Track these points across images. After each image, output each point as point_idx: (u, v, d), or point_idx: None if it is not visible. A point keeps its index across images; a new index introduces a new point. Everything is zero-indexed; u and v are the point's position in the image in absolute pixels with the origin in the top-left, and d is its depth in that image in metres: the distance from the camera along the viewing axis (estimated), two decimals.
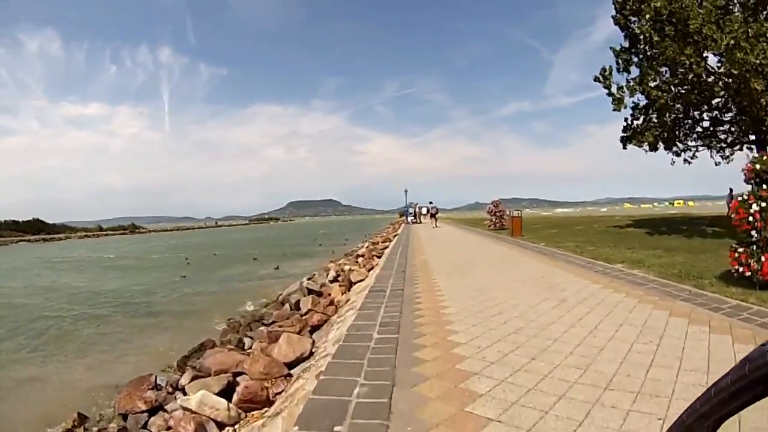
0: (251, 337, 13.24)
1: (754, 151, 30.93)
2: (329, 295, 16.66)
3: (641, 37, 29.71)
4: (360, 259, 25.91)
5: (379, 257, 25.08)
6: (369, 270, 19.97)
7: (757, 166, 10.56)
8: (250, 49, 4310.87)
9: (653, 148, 32.68)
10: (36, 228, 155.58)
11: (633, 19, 30.36)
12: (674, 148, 34.37)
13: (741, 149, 33.68)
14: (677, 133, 33.17)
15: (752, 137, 31.62)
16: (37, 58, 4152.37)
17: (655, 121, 31.55)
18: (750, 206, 10.43)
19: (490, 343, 6.98)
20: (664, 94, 28.78)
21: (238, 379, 8.56)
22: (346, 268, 22.03)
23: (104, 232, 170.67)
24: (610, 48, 33.13)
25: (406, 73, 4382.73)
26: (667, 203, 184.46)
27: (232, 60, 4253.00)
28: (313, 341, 9.62)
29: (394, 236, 42.60)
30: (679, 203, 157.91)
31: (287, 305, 16.52)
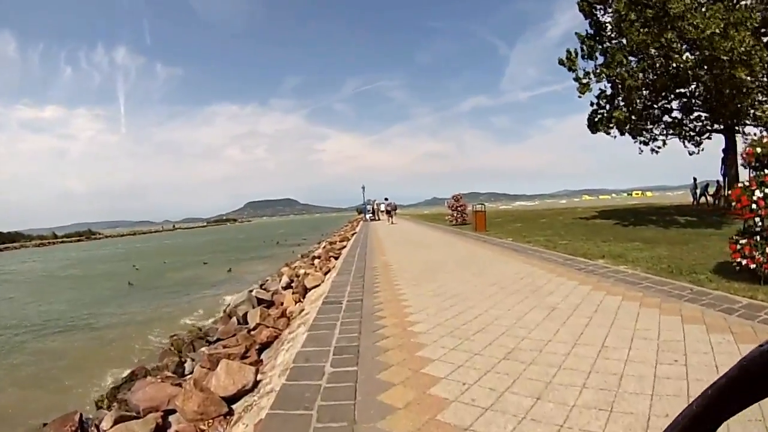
0: (193, 359, 11.63)
1: (722, 139, 31.83)
2: (281, 304, 15.28)
3: (607, 24, 29.63)
4: (316, 261, 24.45)
5: (336, 258, 23.72)
6: (325, 273, 18.47)
7: (758, 150, 9.39)
8: (207, 47, 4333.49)
9: (621, 131, 32.23)
10: None
11: (599, 6, 30.22)
12: (641, 137, 33.91)
13: (709, 138, 33.59)
14: (645, 121, 32.67)
15: (721, 126, 31.44)
16: None
17: (623, 106, 30.76)
18: (753, 193, 9.18)
19: (478, 376, 5.40)
20: (632, 79, 27.85)
21: (171, 418, 7.30)
22: (301, 272, 20.49)
23: (60, 239, 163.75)
24: (575, 33, 32.57)
25: (367, 71, 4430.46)
26: (625, 194, 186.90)
27: (190, 59, 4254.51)
28: (257, 369, 7.99)
29: (353, 235, 41.20)
30: (638, 194, 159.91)
31: (234, 318, 14.81)
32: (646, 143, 34.21)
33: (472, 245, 21.17)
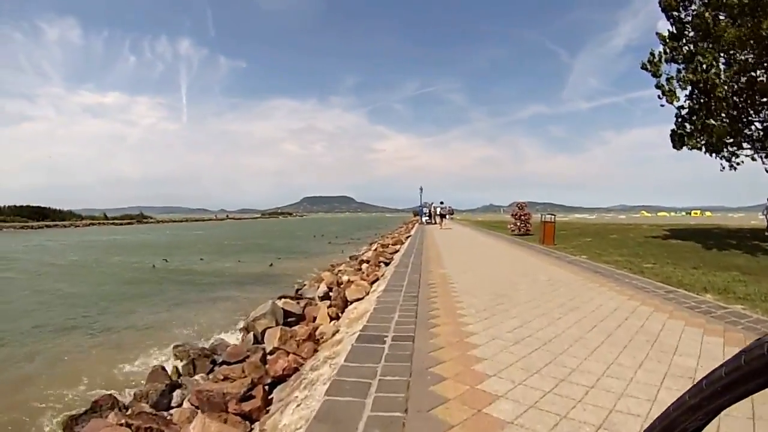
0: (186, 386, 9.05)
1: None
2: (313, 320, 12.70)
3: (695, 21, 26.06)
4: (364, 266, 21.83)
5: (387, 263, 21.15)
6: (373, 282, 15.79)
7: None
8: (269, 42, 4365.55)
9: (717, 146, 29.01)
10: (41, 215, 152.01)
11: (684, 1, 27.25)
12: (724, 152, 30.33)
13: None
14: (736, 134, 28.72)
15: None
16: (57, 46, 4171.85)
17: (716, 116, 27.76)
18: None
19: None
20: (723, 85, 25.35)
21: None
22: (344, 278, 17.90)
23: (110, 221, 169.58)
24: (657, 34, 29.81)
25: (426, 73, 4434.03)
26: (684, 213, 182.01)
27: (252, 53, 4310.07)
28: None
29: (407, 238, 38.43)
30: (696, 213, 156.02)
31: (252, 334, 12.07)
32: (728, 159, 30.68)
33: (543, 262, 18.09)
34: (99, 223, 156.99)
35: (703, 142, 28.78)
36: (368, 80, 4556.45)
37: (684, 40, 28.01)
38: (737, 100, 26.48)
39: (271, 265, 33.76)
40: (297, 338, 9.94)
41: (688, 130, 29.87)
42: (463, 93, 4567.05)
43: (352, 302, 13.57)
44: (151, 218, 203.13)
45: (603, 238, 32.69)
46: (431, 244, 27.95)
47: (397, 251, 27.27)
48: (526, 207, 39.10)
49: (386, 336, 7.39)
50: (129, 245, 58.27)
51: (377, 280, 16.38)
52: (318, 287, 17.62)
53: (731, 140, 28.83)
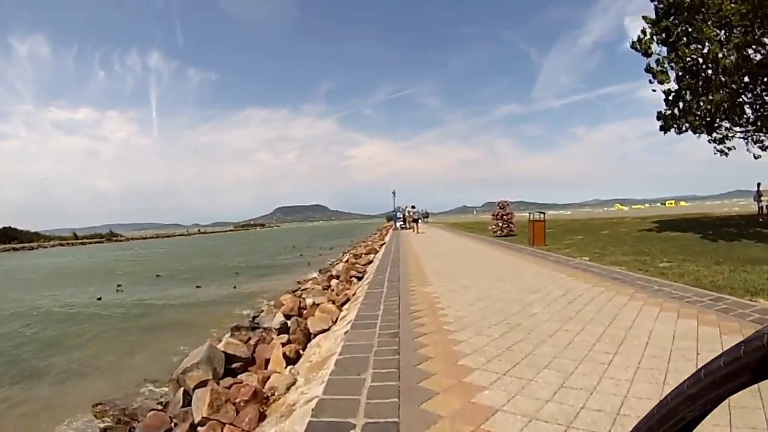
0: None
1: None
2: (265, 364, 9.86)
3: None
4: (333, 282, 19.27)
5: (359, 278, 18.70)
6: (342, 305, 13.42)
7: None
8: (240, 52, 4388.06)
9: (710, 125, 28.60)
10: (8, 237, 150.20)
11: None
12: (716, 133, 29.78)
13: None
14: (731, 106, 27.05)
15: None
16: (28, 62, 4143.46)
17: (714, 92, 26.07)
18: None
19: None
20: (727, 57, 23.84)
21: None
22: (308, 300, 15.07)
23: (80, 241, 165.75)
24: (643, 17, 28.83)
25: (400, 77, 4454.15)
26: (658, 204, 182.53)
27: (222, 63, 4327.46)
28: None
29: (381, 246, 35.79)
30: (671, 203, 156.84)
31: (181, 391, 8.87)
32: (722, 141, 30.07)
33: (545, 268, 15.28)
34: (68, 243, 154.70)
35: (696, 122, 28.06)
36: (341, 86, 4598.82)
37: (674, 18, 26.93)
38: (734, 77, 25.29)
39: (234, 287, 30.54)
40: (236, 400, 7.13)
41: (681, 110, 29.21)
42: (437, 96, 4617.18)
43: (315, 335, 10.97)
44: (121, 236, 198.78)
45: (594, 234, 30.77)
46: (409, 252, 25.15)
47: (370, 262, 24.74)
48: (508, 206, 36.51)
49: (354, 422, 4.56)
50: (82, 269, 52.73)
51: (347, 301, 13.86)
52: (275, 315, 14.51)
53: (725, 118, 28.20)
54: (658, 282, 11.56)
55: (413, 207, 57.39)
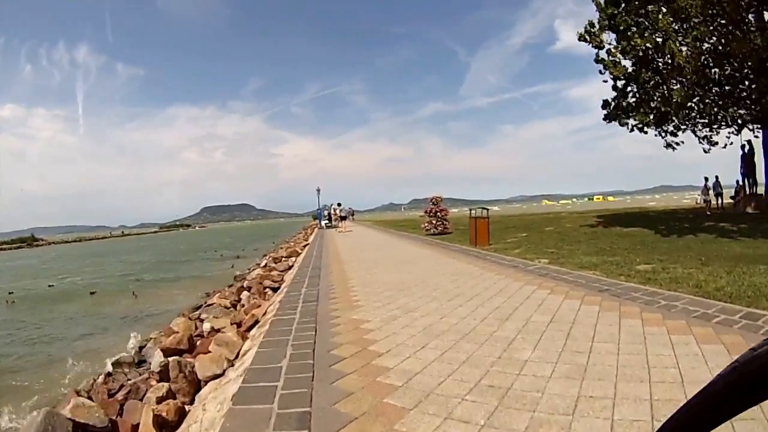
0: None
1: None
2: None
3: None
4: (244, 295, 16.37)
5: (276, 289, 15.82)
6: (248, 330, 10.35)
7: None
8: (169, 48, 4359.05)
9: (665, 118, 27.95)
10: None
11: None
12: (666, 126, 29.48)
13: (738, 132, 30.01)
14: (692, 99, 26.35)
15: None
16: None
17: (672, 85, 25.73)
18: None
19: None
20: (688, 48, 22.94)
21: None
22: (206, 325, 11.99)
23: None
24: (593, 0, 27.30)
25: (327, 75, 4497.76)
26: (586, 199, 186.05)
27: (151, 59, 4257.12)
28: None
29: (304, 247, 32.77)
30: (599, 198, 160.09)
31: None
32: (674, 134, 29.72)
33: (506, 278, 12.04)
34: None
35: (647, 114, 27.14)
36: (269, 84, 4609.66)
37: (625, 6, 25.55)
38: (689, 70, 23.41)
39: (135, 296, 26.93)
40: None
41: (630, 101, 28.32)
42: (365, 94, 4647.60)
43: (206, 381, 7.78)
44: (43, 240, 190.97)
45: (538, 231, 28.52)
46: (333, 254, 22.11)
47: (290, 267, 21.60)
48: (442, 202, 33.46)
49: None
50: None
51: (255, 324, 10.63)
52: (162, 349, 11.25)
53: (677, 112, 26.92)
54: (661, 294, 8.99)
55: (339, 204, 54.63)
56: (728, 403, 0.76)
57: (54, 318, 22.55)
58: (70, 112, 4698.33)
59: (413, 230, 38.45)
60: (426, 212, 34.54)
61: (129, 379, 10.07)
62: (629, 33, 24.57)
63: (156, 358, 9.98)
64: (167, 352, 9.94)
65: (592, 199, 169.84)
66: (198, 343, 10.36)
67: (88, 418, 7.00)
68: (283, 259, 26.57)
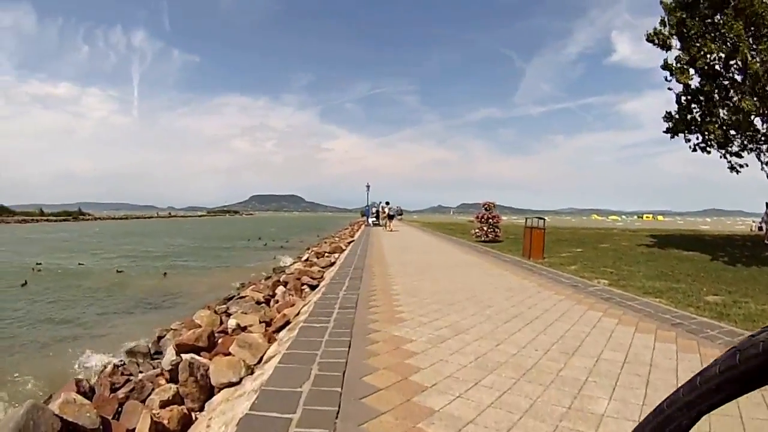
0: None
1: None
2: None
3: None
4: (279, 291, 15.44)
5: (314, 287, 14.81)
6: (278, 331, 9.49)
7: None
8: (224, 39, 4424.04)
9: (726, 140, 25.85)
10: None
11: None
12: (730, 147, 26.66)
13: None
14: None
15: None
16: (11, 33, 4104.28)
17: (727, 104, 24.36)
18: None
19: None
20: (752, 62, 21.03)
21: None
22: (232, 321, 10.96)
23: (45, 217, 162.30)
24: (660, 2, 25.10)
25: (378, 74, 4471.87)
26: (635, 216, 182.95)
27: (206, 49, 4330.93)
28: None
29: (349, 244, 31.55)
30: (648, 217, 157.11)
31: None
32: (739, 155, 26.72)
33: (566, 299, 10.70)
34: (32, 220, 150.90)
35: (714, 132, 24.85)
36: (321, 79, 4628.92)
37: (692, 11, 23.49)
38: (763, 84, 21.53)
39: (165, 274, 26.81)
40: None
41: (695, 115, 26.04)
42: (415, 95, 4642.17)
43: (219, 388, 6.90)
44: (89, 215, 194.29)
45: (593, 247, 26.86)
46: (378, 255, 20.88)
47: (332, 264, 20.60)
48: (494, 208, 32.07)
49: None
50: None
51: (286, 325, 9.66)
52: (169, 349, 10.27)
53: (742, 130, 24.95)
54: (741, 334, 7.58)
55: (387, 203, 53.05)
56: (727, 387, 0.78)
57: (75, 296, 21.95)
58: (125, 93, 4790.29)
59: (462, 235, 37.11)
60: (477, 218, 33.13)
61: (141, 372, 9.22)
62: (699, 39, 23.01)
63: (168, 355, 9.08)
64: (183, 348, 9.01)
65: (642, 217, 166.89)
66: (219, 341, 9.35)
67: (78, 417, 6.09)
68: (326, 254, 25.60)
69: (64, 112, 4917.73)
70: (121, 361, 10.32)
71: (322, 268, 19.65)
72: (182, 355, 8.31)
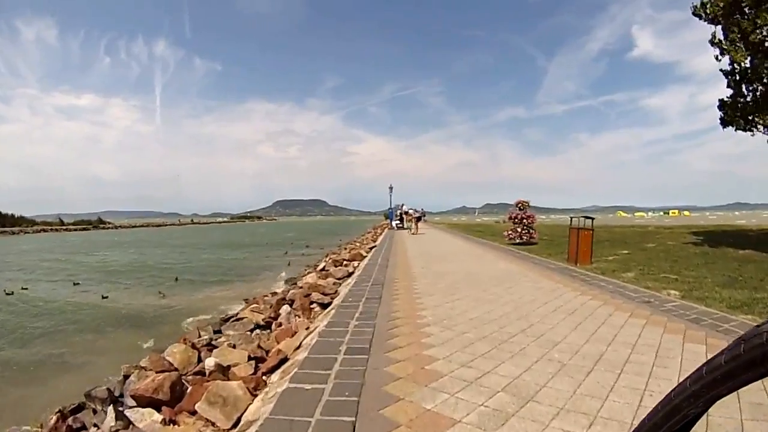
0: None
1: None
2: None
3: None
4: (283, 311, 13.01)
5: (325, 305, 12.44)
6: (268, 373, 7.41)
7: None
8: (246, 45, 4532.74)
9: None
10: None
11: None
12: None
13: None
14: None
15: None
16: (34, 46, 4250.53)
17: None
18: None
19: None
20: None
21: None
22: (210, 361, 8.16)
23: (64, 227, 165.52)
24: None
25: (404, 75, 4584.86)
26: (661, 213, 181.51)
27: (228, 55, 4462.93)
28: None
29: (371, 249, 29.06)
30: (675, 213, 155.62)
31: None
32: None
33: (647, 324, 8.07)
34: (52, 229, 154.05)
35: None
36: (346, 83, 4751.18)
37: None
38: None
39: (162, 296, 23.74)
40: None
41: (749, 101, 23.68)
42: (441, 96, 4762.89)
43: None
44: (109, 223, 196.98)
45: (641, 249, 23.72)
46: (402, 265, 17.93)
47: (350, 274, 18.21)
48: (528, 207, 29.25)
49: None
50: None
51: (282, 363, 7.39)
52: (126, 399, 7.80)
53: None
54: None
55: (402, 205, 53.79)
56: (732, 377, 0.79)
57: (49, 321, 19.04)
58: (148, 102, 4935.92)
59: (489, 237, 34.97)
60: (510, 218, 30.20)
61: (95, 426, 7.00)
62: (753, 9, 20.72)
63: (110, 416, 6.72)
64: (140, 401, 6.73)
65: (668, 213, 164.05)
66: (189, 390, 6.98)
67: None
68: (345, 262, 23.19)
69: (88, 122, 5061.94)
70: (73, 408, 7.97)
71: (338, 279, 17.31)
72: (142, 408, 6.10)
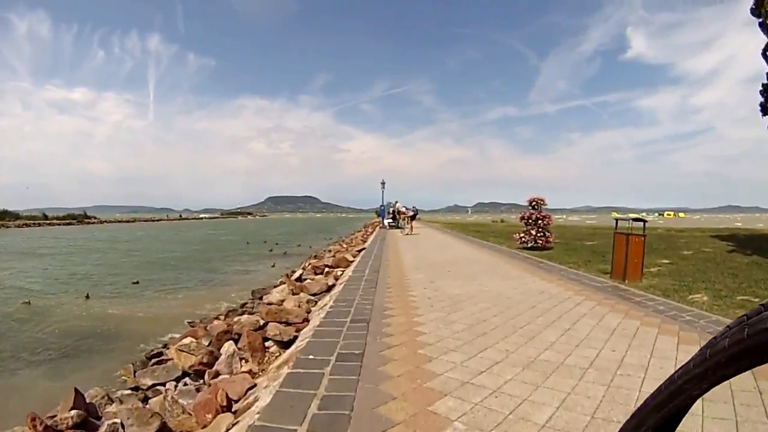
0: None
1: None
2: None
3: None
4: (225, 351, 8.95)
5: (284, 345, 9.10)
6: None
7: None
8: (240, 41, 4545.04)
9: None
10: None
11: None
12: None
13: None
14: None
15: None
16: (26, 40, 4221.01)
17: None
18: None
19: None
20: None
21: None
22: None
23: (48, 221, 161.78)
24: None
25: (396, 74, 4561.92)
26: (656, 214, 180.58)
27: (222, 51, 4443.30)
28: None
29: (359, 252, 25.54)
30: (670, 215, 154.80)
31: None
32: None
33: None
34: (35, 224, 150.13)
35: None
36: (338, 80, 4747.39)
37: None
38: None
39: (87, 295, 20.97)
40: None
41: None
42: (432, 94, 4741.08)
43: None
44: (95, 218, 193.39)
45: (681, 257, 20.19)
46: (396, 277, 13.91)
47: (329, 288, 14.67)
48: (542, 206, 25.36)
49: None
50: None
51: None
52: None
53: None
54: None
55: (396, 203, 50.91)
56: (735, 360, 0.77)
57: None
58: (141, 97, 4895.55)
59: (495, 238, 32.09)
60: (522, 218, 26.02)
61: None
62: None
63: None
64: None
65: (663, 214, 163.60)
66: None
67: None
68: (327, 269, 19.74)
69: (80, 117, 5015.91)
70: None
71: (313, 295, 13.71)
72: None
